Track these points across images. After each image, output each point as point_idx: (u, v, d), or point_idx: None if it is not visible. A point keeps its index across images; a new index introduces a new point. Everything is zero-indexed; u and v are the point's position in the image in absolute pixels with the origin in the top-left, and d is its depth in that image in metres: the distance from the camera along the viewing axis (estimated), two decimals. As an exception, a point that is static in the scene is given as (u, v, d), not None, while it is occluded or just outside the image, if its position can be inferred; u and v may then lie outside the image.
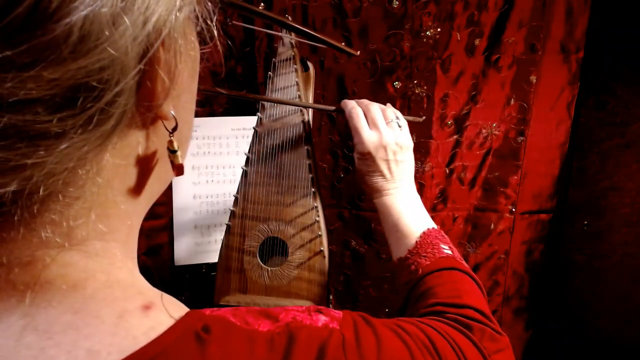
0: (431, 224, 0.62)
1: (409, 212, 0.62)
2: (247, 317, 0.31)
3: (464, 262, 0.57)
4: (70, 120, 0.24)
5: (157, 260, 1.07)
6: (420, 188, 1.11)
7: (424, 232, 0.60)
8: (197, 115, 1.07)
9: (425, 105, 1.07)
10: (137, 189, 0.31)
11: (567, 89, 1.05)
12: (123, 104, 0.25)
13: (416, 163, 1.09)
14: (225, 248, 0.72)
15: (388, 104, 0.70)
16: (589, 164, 1.08)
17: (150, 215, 1.04)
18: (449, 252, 0.58)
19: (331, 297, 0.73)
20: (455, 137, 1.09)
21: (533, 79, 1.04)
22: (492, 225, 1.12)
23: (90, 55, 0.23)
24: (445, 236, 0.61)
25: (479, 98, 1.06)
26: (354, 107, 0.67)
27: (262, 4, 1.02)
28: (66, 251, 0.27)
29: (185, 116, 0.33)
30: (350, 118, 0.66)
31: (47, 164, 0.24)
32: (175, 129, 0.31)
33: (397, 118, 0.67)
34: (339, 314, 0.35)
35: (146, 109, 0.28)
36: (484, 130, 1.08)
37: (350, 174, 1.12)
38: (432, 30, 1.02)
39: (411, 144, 0.67)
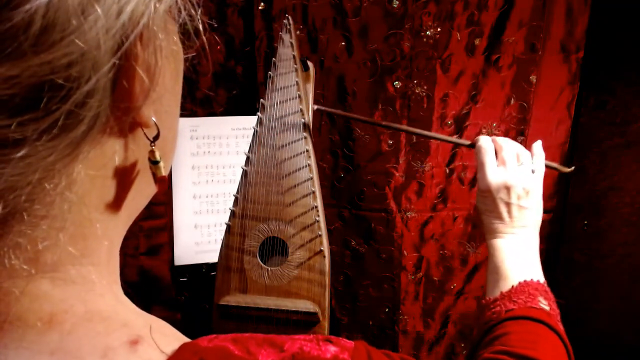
0: (538, 277, 0.55)
1: (516, 259, 0.57)
2: (250, 345, 0.28)
3: (560, 324, 0.51)
4: (33, 125, 0.20)
5: (157, 260, 1.07)
6: (420, 188, 1.11)
7: (525, 281, 0.54)
8: (197, 115, 1.08)
9: (425, 105, 1.07)
10: (116, 204, 0.27)
11: (567, 88, 1.05)
12: (96, 106, 0.22)
13: (416, 163, 1.09)
14: (225, 248, 0.72)
15: (537, 142, 0.65)
16: (589, 164, 1.08)
17: (150, 215, 1.04)
18: (546, 307, 0.51)
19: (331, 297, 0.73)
20: (455, 136, 1.09)
21: (533, 78, 1.04)
22: (492, 225, 1.12)
23: (55, 48, 0.20)
24: (550, 293, 0.55)
25: (479, 98, 1.06)
26: (486, 142, 0.63)
27: (262, 3, 1.02)
28: (37, 280, 0.24)
29: (168, 123, 0.30)
30: (479, 152, 0.62)
31: (5, 177, 0.20)
32: (157, 137, 0.27)
33: (532, 162, 0.63)
34: (350, 344, 0.32)
35: (123, 112, 0.24)
36: (484, 130, 1.08)
37: (350, 174, 1.12)
38: (432, 30, 1.02)
39: (540, 192, 0.62)
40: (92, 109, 0.22)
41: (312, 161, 0.71)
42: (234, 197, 0.72)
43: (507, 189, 0.59)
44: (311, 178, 0.71)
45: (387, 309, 1.17)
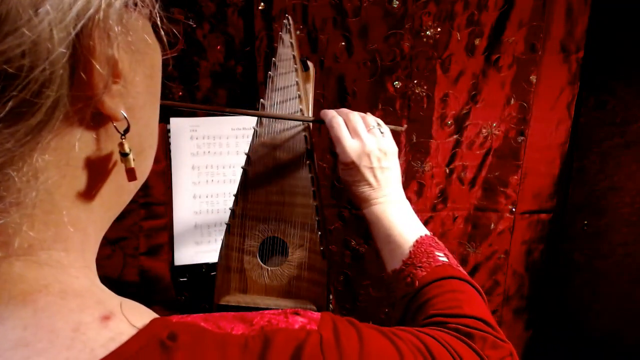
0: (424, 231, 0.59)
1: (400, 221, 0.60)
2: (220, 321, 0.30)
3: (460, 268, 0.55)
4: None
5: (157, 260, 1.06)
6: (420, 188, 1.11)
7: (417, 241, 0.57)
8: (197, 115, 1.07)
9: (425, 105, 1.07)
10: (87, 194, 0.29)
11: (567, 88, 1.05)
12: (53, 95, 0.23)
13: (416, 163, 1.09)
14: (225, 248, 0.72)
15: (368, 113, 0.68)
16: (589, 164, 1.08)
17: (150, 215, 1.04)
18: (445, 259, 0.55)
19: (331, 297, 0.73)
20: (455, 136, 1.09)
21: (533, 78, 1.04)
22: (492, 225, 1.12)
23: (8, 39, 0.21)
24: (439, 242, 0.59)
25: (479, 98, 1.06)
26: (334, 117, 0.64)
27: (262, 3, 1.02)
28: (11, 262, 0.25)
29: (144, 119, 0.31)
30: (331, 128, 0.64)
31: None
32: (127, 130, 0.29)
33: (379, 125, 0.65)
34: (317, 315, 0.34)
35: (84, 103, 0.25)
36: (484, 130, 1.08)
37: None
38: (432, 30, 1.02)
39: (395, 150, 0.65)
40: (50, 98, 0.23)
41: (312, 161, 0.71)
42: (234, 197, 0.72)
43: (367, 155, 0.61)
44: (311, 178, 0.71)
45: (387, 309, 1.17)
